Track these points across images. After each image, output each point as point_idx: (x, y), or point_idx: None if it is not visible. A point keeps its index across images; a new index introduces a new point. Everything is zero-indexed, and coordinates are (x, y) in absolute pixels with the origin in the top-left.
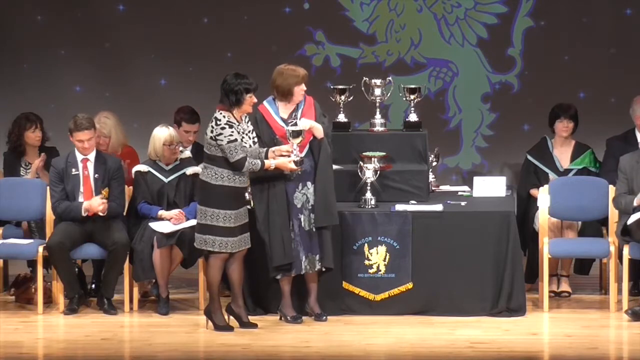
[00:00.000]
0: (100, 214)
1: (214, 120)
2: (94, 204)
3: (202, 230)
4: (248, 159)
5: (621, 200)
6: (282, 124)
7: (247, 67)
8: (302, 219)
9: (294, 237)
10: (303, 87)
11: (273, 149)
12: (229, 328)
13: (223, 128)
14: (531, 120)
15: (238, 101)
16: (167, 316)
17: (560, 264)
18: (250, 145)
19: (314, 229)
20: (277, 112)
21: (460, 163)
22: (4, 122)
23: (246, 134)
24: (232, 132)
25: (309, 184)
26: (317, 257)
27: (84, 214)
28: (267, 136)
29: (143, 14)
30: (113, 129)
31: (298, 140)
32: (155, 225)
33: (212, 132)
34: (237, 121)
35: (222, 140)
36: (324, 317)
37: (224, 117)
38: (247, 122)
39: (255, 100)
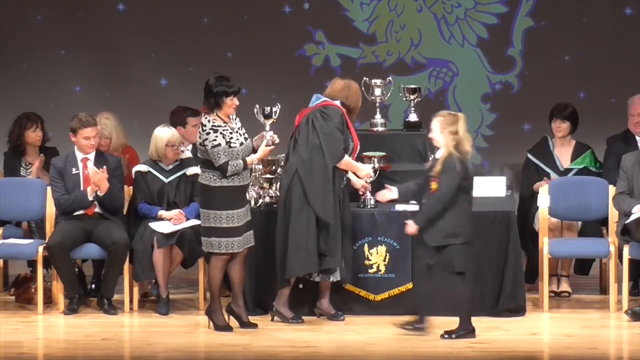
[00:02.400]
0: (100, 192)
1: (200, 126)
2: (93, 174)
3: (207, 233)
4: (230, 162)
5: (621, 203)
6: (355, 134)
7: (247, 67)
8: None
9: None
10: None
11: (255, 138)
12: (229, 328)
13: (208, 133)
14: (531, 120)
15: (217, 104)
16: (167, 316)
17: (560, 264)
18: (241, 143)
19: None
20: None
21: None
22: (4, 122)
23: (236, 132)
24: (217, 136)
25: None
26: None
27: (90, 197)
28: (347, 141)
29: (143, 14)
30: (114, 129)
31: (270, 121)
32: (155, 225)
33: (199, 137)
34: (224, 122)
35: (207, 145)
36: (342, 317)
37: (209, 121)
38: (236, 119)
39: (237, 102)
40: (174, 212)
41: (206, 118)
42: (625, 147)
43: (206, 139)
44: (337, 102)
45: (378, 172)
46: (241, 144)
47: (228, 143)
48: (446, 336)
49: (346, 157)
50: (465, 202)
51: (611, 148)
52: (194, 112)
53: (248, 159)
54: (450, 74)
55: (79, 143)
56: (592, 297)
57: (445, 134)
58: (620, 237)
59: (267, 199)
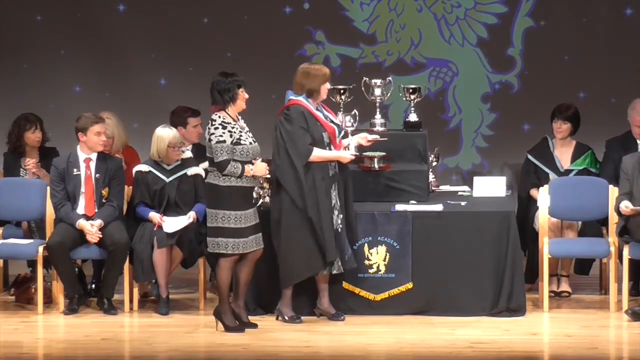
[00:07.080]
0: (89, 239)
1: (210, 122)
2: (87, 229)
3: (214, 233)
4: (231, 162)
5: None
6: (328, 122)
7: (247, 67)
8: (333, 218)
9: None
10: (327, 85)
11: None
12: (240, 329)
13: (217, 128)
14: (531, 120)
15: (232, 98)
16: (167, 316)
17: (560, 264)
18: (250, 143)
19: (339, 230)
20: (314, 109)
21: (460, 163)
22: (4, 122)
23: (245, 132)
24: (224, 133)
25: (334, 185)
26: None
27: (77, 227)
28: (318, 133)
29: (143, 14)
30: (115, 129)
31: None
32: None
33: (207, 132)
34: (234, 120)
35: (212, 140)
36: (342, 317)
37: (219, 117)
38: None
39: (246, 95)
40: (156, 217)
41: (217, 114)
42: (625, 152)
43: (213, 134)
44: (301, 98)
45: (358, 149)
46: (250, 143)
47: (237, 141)
48: None
49: (316, 151)
50: None
51: (610, 153)
52: (195, 112)
53: (247, 168)
54: (450, 74)
55: (91, 141)
56: (592, 297)
57: None
58: (620, 237)
59: (267, 199)
